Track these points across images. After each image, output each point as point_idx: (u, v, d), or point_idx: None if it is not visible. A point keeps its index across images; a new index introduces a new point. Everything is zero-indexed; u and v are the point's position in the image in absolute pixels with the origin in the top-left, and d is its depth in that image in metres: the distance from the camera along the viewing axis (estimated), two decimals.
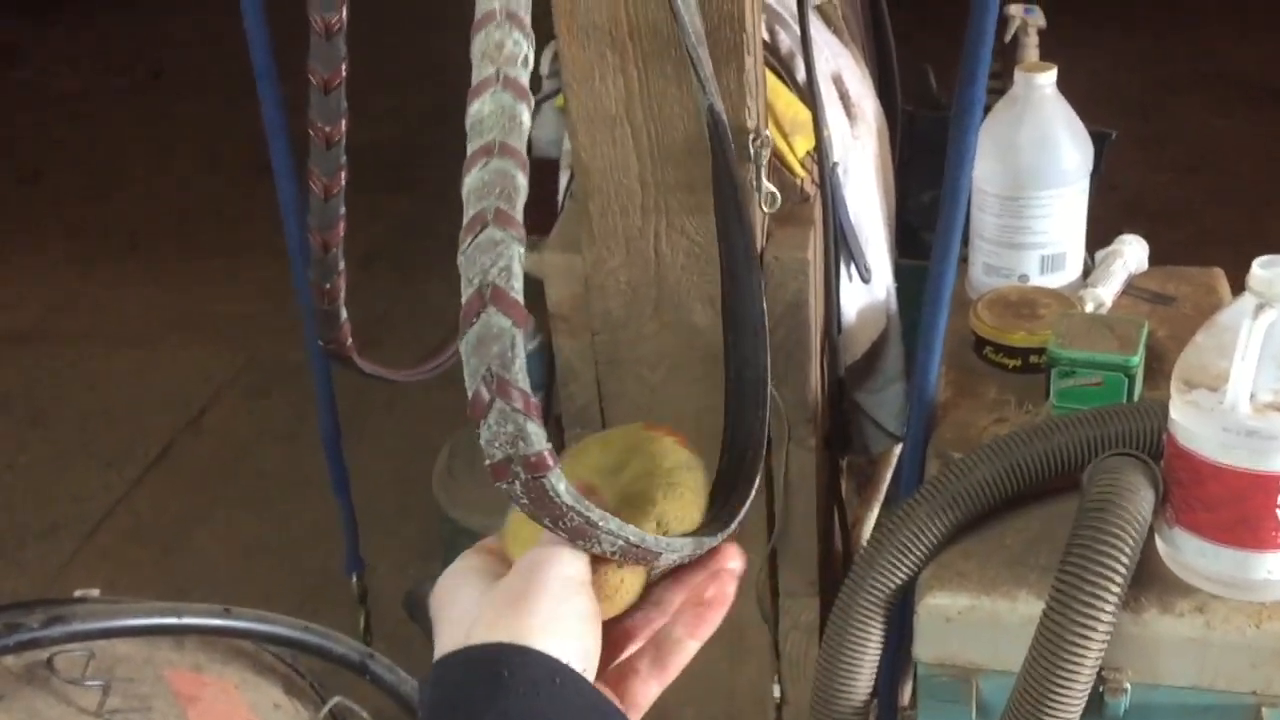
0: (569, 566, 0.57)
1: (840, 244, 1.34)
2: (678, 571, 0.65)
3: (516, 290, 0.52)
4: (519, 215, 0.52)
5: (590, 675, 0.56)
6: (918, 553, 1.09)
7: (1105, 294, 1.42)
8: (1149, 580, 1.03)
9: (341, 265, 0.89)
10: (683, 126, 1.09)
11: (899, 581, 1.09)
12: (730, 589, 0.65)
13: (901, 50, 1.84)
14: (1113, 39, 4.07)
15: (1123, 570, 0.95)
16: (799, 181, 1.26)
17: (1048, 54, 2.13)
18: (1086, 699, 0.98)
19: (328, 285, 0.89)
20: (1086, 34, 3.73)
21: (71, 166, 4.02)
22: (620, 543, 0.57)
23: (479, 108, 0.54)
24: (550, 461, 0.52)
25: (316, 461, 1.65)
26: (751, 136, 1.10)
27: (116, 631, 0.89)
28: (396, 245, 3.43)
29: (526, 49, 0.55)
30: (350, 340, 0.93)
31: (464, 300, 0.52)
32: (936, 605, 1.07)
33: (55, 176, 3.99)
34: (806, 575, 1.35)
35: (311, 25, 0.84)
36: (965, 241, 1.38)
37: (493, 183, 0.52)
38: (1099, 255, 1.49)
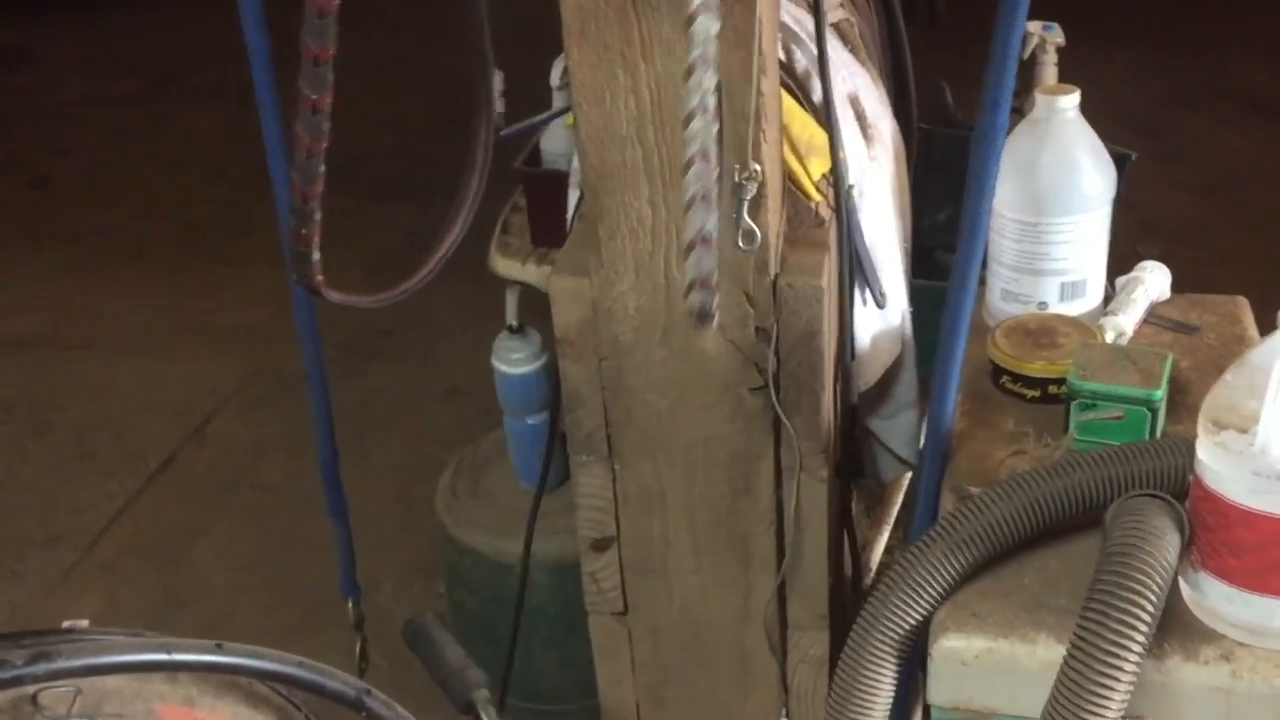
0: None
1: (855, 268, 1.31)
2: None
3: None
4: None
5: None
6: (932, 592, 1.06)
7: (1126, 323, 1.39)
8: (1172, 626, 1.00)
9: (318, 215, 0.92)
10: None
11: (913, 622, 1.06)
12: None
13: (918, 66, 1.81)
14: (1128, 55, 4.04)
15: (1148, 618, 0.92)
16: (814, 205, 1.23)
17: (1064, 71, 2.10)
18: None
19: (304, 230, 0.92)
20: (1102, 50, 3.70)
21: (79, 173, 4.00)
22: None
23: None
24: None
25: (319, 475, 1.63)
26: (739, 169, 1.06)
27: (103, 669, 0.86)
28: (402, 256, 3.40)
29: None
30: (320, 276, 0.96)
31: None
32: (952, 648, 1.04)
33: (63, 182, 3.97)
34: (816, 608, 1.32)
35: (302, 52, 0.83)
36: (982, 265, 1.35)
37: None
38: (1120, 282, 1.46)
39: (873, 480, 1.67)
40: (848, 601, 1.48)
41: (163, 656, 0.88)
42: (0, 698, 0.86)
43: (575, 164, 1.48)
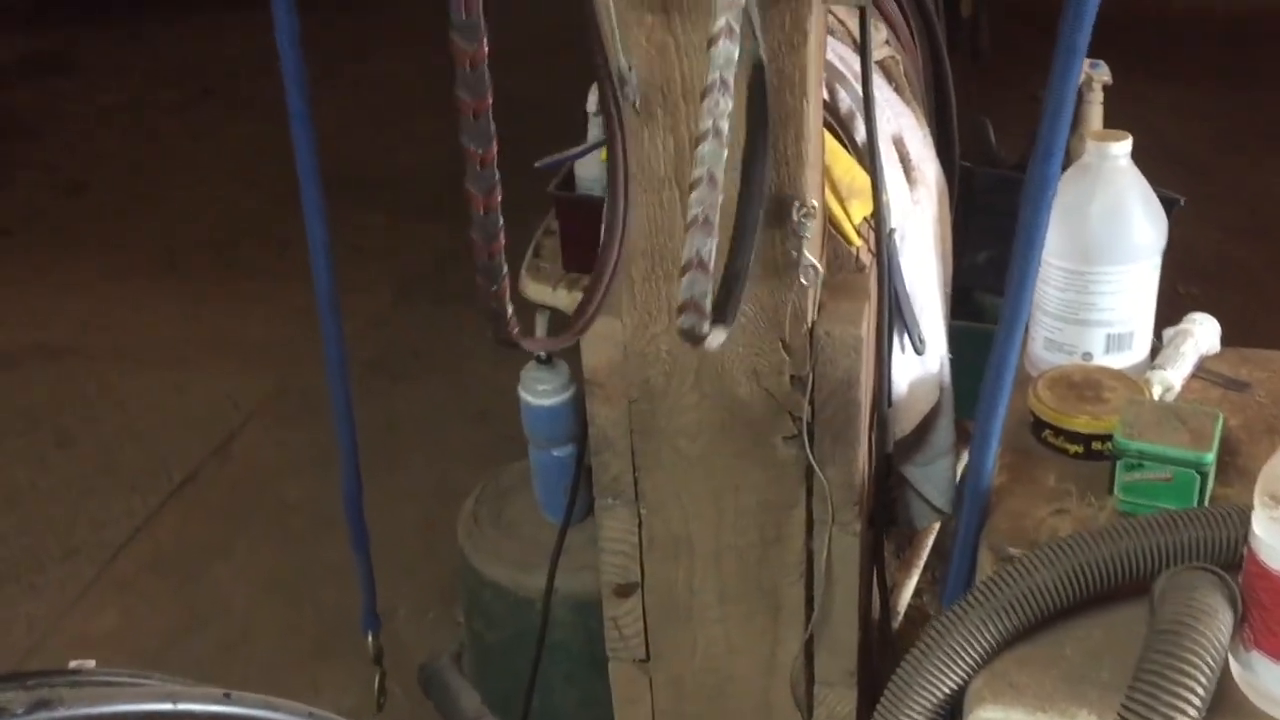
0: None
1: (895, 314, 1.27)
2: None
3: None
4: None
5: None
6: (968, 660, 1.01)
7: (1174, 377, 1.34)
8: (1222, 706, 0.95)
9: (505, 270, 0.91)
10: (734, 193, 1.03)
11: (947, 691, 1.02)
12: None
13: (959, 100, 1.78)
14: (1172, 93, 3.98)
15: (1199, 700, 0.87)
16: (854, 250, 1.19)
17: (1107, 108, 2.06)
18: None
19: (494, 288, 0.91)
20: (1146, 88, 3.65)
21: (115, 181, 4.01)
22: None
23: None
24: None
25: (341, 498, 1.60)
26: (797, 206, 1.03)
27: (106, 719, 0.83)
28: (434, 276, 3.39)
29: None
30: (516, 328, 0.95)
31: None
32: (988, 719, 0.99)
33: (98, 190, 3.98)
34: (844, 665, 1.28)
35: (460, 107, 0.83)
36: None
37: None
38: (1167, 334, 1.41)
39: (905, 527, 1.63)
40: (875, 652, 1.44)
41: (168, 706, 0.85)
42: None
43: None
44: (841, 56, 1.28)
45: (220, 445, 2.72)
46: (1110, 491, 1.19)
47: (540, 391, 1.77)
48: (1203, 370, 1.39)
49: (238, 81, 4.53)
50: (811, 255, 1.05)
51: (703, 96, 0.99)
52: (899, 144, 1.31)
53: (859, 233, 1.20)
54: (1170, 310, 1.42)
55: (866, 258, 1.20)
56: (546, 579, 1.61)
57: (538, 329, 1.90)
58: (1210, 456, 1.14)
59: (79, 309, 3.29)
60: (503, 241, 0.92)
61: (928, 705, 1.02)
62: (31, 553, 2.42)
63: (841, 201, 1.19)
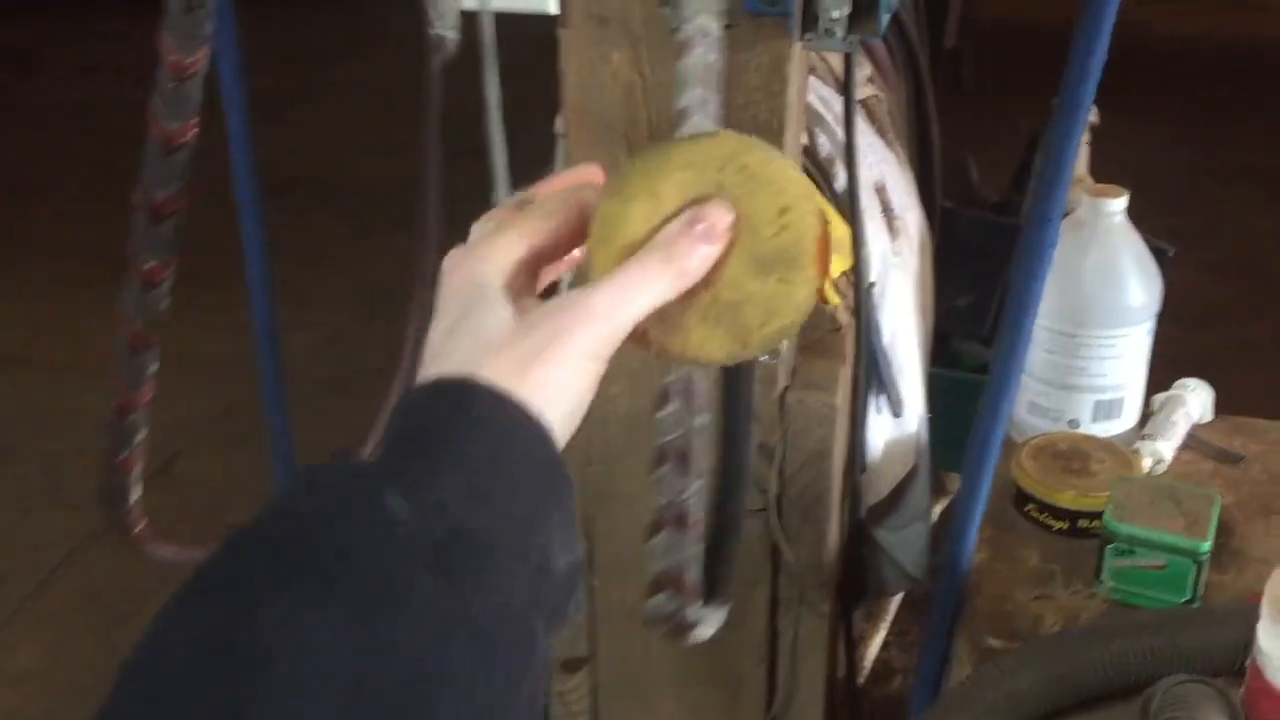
0: (595, 343, 0.53)
1: (872, 375, 1.19)
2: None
3: None
4: None
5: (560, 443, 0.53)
6: None
7: (1165, 449, 1.27)
8: None
9: (143, 433, 0.71)
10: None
11: None
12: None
13: (942, 135, 1.70)
14: (1151, 127, 3.93)
15: None
16: (831, 309, 1.10)
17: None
18: None
19: (120, 457, 0.70)
20: (1123, 121, 3.59)
21: (65, 182, 3.89)
22: None
23: None
24: None
25: None
26: None
27: None
28: (396, 292, 3.27)
29: None
30: (144, 523, 0.75)
31: None
32: None
33: (53, 191, 3.85)
34: None
35: (150, 137, 0.67)
36: None
37: None
38: (1157, 400, 1.34)
39: (874, 594, 1.54)
40: (839, 713, 1.35)
41: None
42: None
43: None
44: (823, 97, 1.19)
45: (164, 465, 2.61)
46: (1098, 576, 1.10)
47: None
48: (1194, 440, 1.32)
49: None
50: None
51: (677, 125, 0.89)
52: (881, 192, 1.23)
53: (837, 289, 1.12)
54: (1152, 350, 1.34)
55: (844, 316, 1.11)
56: None
57: None
58: (1207, 545, 1.06)
59: (29, 317, 3.17)
60: (148, 392, 0.73)
61: None
62: None
63: None
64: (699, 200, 0.52)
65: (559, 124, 1.73)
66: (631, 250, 0.53)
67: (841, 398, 1.05)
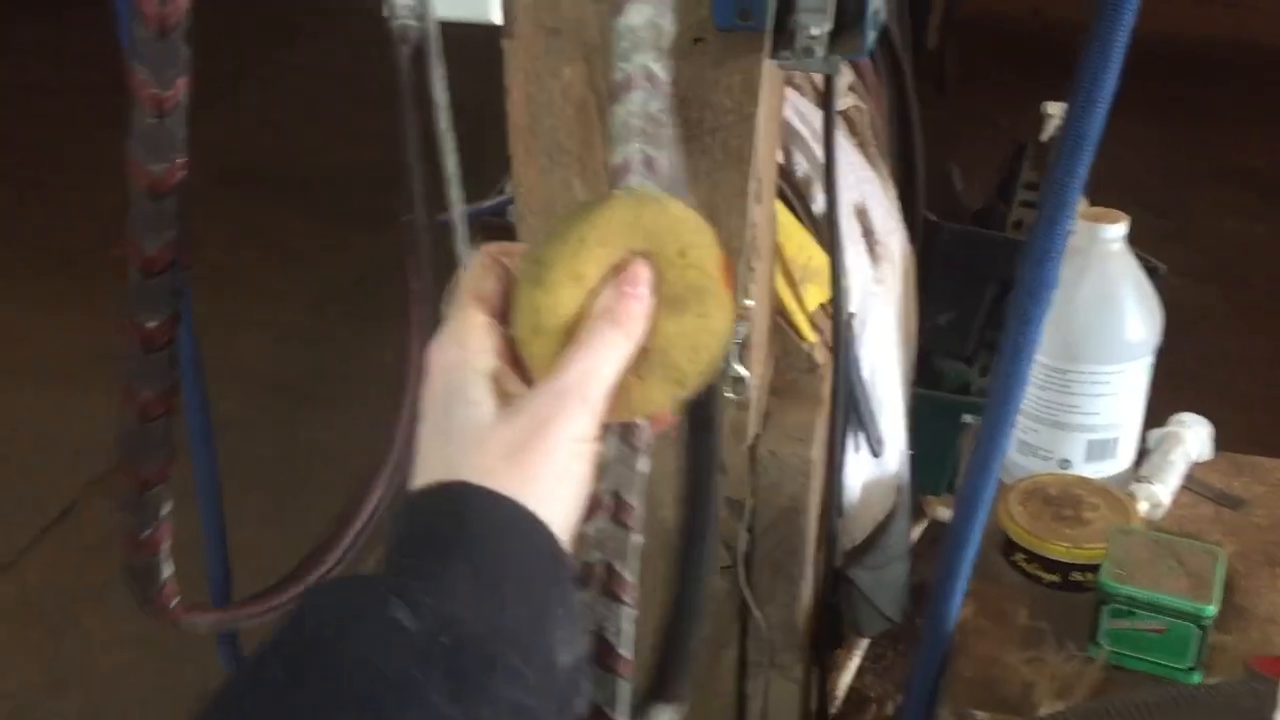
0: (579, 423, 0.54)
1: (851, 412, 1.09)
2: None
3: None
4: None
5: (565, 538, 0.54)
6: None
7: (1163, 493, 1.18)
8: None
9: (168, 505, 0.63)
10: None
11: None
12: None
13: (925, 141, 1.61)
14: (1128, 127, 3.86)
15: None
16: (807, 348, 1.00)
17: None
18: None
19: (146, 534, 0.62)
20: (1110, 122, 3.52)
21: (9, 169, 3.73)
22: None
23: None
24: None
25: (233, 539, 1.38)
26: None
27: None
28: (353, 289, 3.15)
29: None
30: (176, 600, 0.67)
31: None
32: None
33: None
34: None
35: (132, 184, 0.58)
36: None
37: None
38: (1152, 438, 1.25)
39: (851, 633, 1.45)
40: None
41: None
42: None
43: None
44: (800, 111, 1.09)
45: (101, 474, 2.48)
46: (1093, 638, 1.01)
47: None
48: (1193, 479, 1.23)
49: None
50: (741, 366, 0.86)
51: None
52: (862, 215, 1.13)
53: (813, 324, 1.02)
54: None
55: (821, 355, 1.01)
56: None
57: None
58: (1212, 610, 0.98)
59: None
60: (170, 463, 0.66)
61: None
62: None
63: (794, 286, 1.00)
64: (617, 267, 0.54)
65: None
66: (567, 331, 0.54)
67: (817, 449, 0.95)
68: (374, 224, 3.35)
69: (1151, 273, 1.58)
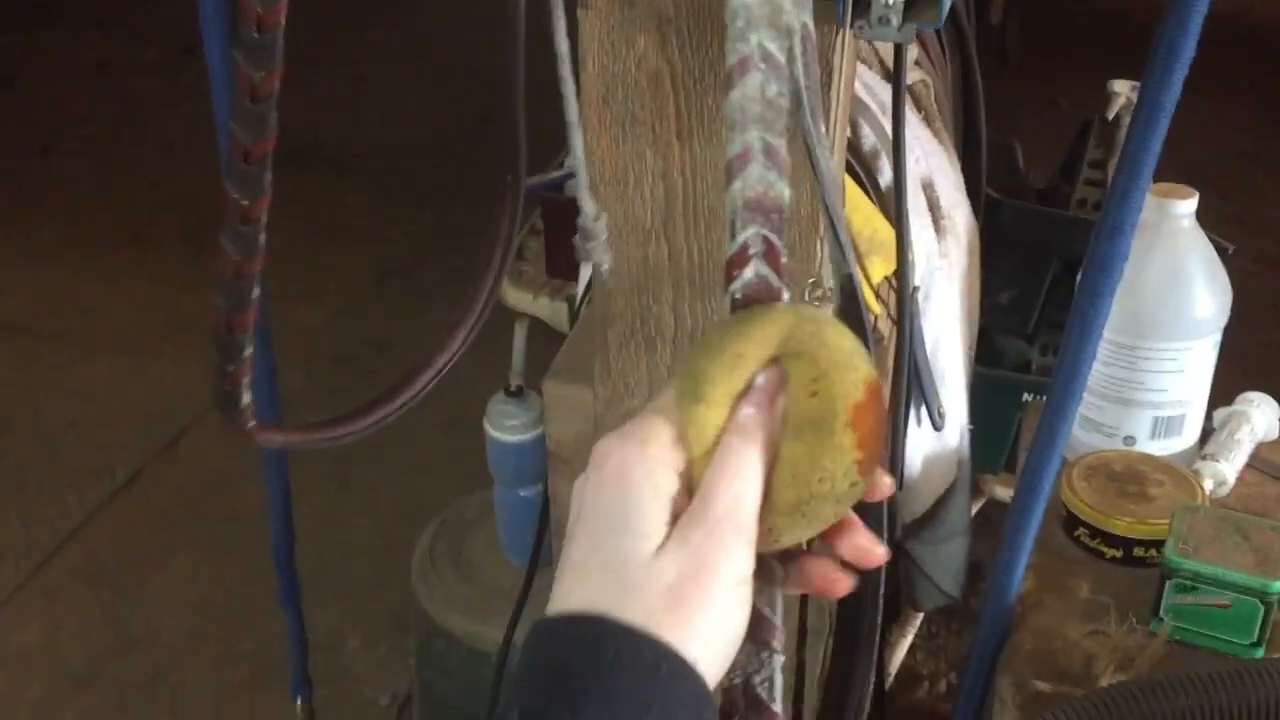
0: (738, 560, 0.51)
1: (913, 385, 1.10)
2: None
3: None
4: None
5: (713, 682, 0.51)
6: None
7: (1228, 470, 1.18)
8: None
9: (249, 350, 0.74)
10: None
11: None
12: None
13: (988, 117, 1.60)
14: (1196, 107, 3.80)
15: None
16: (872, 318, 1.01)
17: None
18: None
19: (230, 368, 0.74)
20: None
21: (85, 143, 3.80)
22: None
23: None
24: None
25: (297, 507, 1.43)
26: (810, 285, 0.85)
27: None
28: (413, 264, 3.19)
29: None
30: (252, 422, 0.78)
31: None
32: None
33: (68, 151, 3.77)
34: None
35: (237, 81, 0.63)
36: None
37: None
38: (1218, 416, 1.24)
39: (908, 608, 1.46)
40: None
41: None
42: None
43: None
44: (867, 84, 1.09)
45: (169, 443, 2.54)
46: (1156, 613, 1.01)
47: (507, 426, 1.58)
48: (1257, 458, 1.22)
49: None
50: None
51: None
52: (928, 188, 1.13)
53: (878, 296, 1.02)
54: None
55: (885, 326, 1.02)
56: (505, 633, 1.44)
57: (515, 347, 1.71)
58: (1278, 585, 0.97)
59: (34, 281, 3.09)
60: (253, 314, 0.74)
61: None
62: None
63: (860, 259, 1.01)
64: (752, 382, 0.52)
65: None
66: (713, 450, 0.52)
67: None
68: (427, 202, 3.40)
69: (1220, 253, 1.56)
